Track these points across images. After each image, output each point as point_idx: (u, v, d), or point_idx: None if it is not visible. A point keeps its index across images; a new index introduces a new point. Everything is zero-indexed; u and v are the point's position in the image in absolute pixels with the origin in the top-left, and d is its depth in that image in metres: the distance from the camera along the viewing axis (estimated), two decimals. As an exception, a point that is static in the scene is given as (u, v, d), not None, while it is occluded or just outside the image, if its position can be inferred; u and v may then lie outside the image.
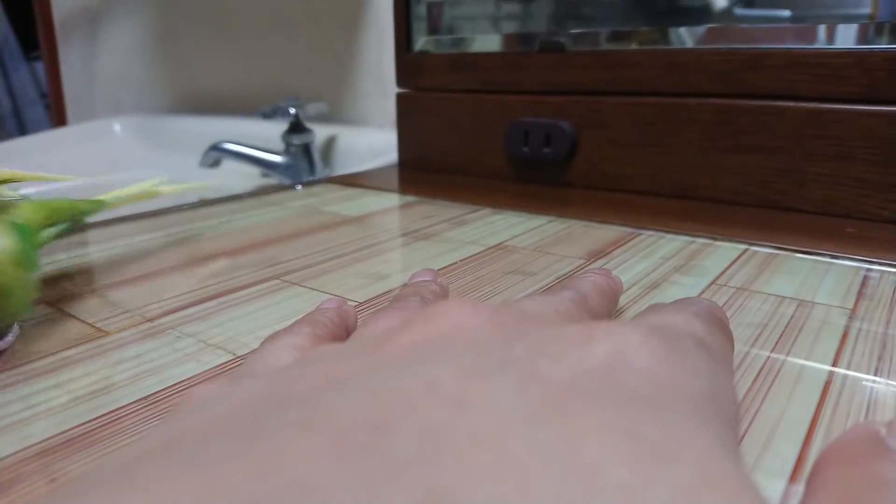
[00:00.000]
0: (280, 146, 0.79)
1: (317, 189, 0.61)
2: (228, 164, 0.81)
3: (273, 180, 0.80)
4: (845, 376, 0.24)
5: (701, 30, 0.49)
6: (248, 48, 1.02)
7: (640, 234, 0.45)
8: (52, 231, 0.33)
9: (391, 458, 0.09)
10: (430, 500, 0.09)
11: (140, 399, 0.23)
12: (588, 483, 0.09)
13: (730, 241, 0.42)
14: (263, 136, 0.82)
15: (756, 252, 0.40)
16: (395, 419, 0.10)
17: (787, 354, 0.26)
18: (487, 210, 0.53)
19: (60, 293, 0.34)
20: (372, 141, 0.80)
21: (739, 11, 0.49)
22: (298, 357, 0.17)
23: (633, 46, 0.51)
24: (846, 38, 0.43)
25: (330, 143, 0.84)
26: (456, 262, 0.38)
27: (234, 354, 0.27)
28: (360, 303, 0.32)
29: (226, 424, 0.11)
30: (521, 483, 0.09)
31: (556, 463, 0.09)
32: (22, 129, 1.79)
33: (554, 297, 0.19)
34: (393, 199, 0.55)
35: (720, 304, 0.31)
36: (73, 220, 0.35)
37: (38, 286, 0.29)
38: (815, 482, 0.13)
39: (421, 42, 0.63)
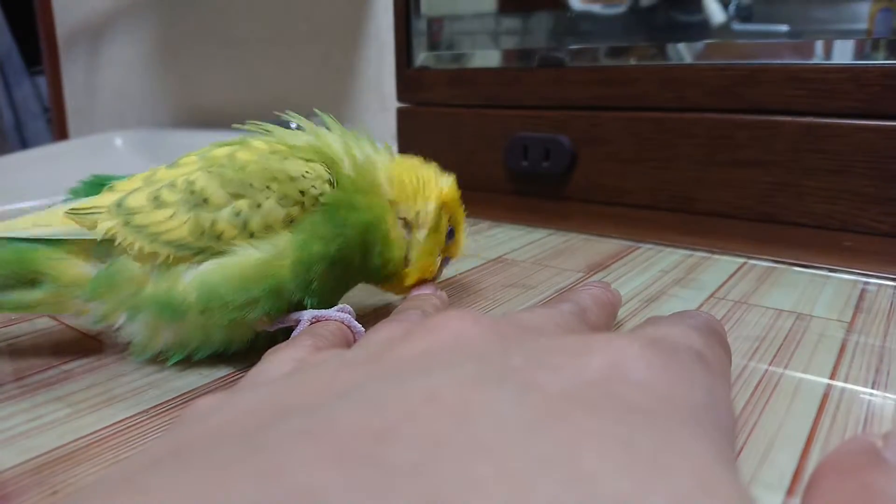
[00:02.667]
0: (281, 160, 0.79)
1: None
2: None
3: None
4: (843, 389, 0.25)
5: (699, 45, 0.49)
6: (249, 63, 1.02)
7: (638, 248, 0.45)
8: None
9: (392, 467, 0.09)
10: None
11: (141, 412, 0.23)
12: (586, 492, 0.09)
13: (728, 254, 0.42)
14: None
15: (754, 265, 0.40)
16: (397, 428, 0.10)
17: (785, 367, 0.26)
18: (487, 223, 0.53)
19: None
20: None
21: (737, 27, 0.50)
22: (299, 366, 0.17)
23: (632, 62, 0.52)
24: (843, 53, 0.44)
25: (330, 157, 0.84)
26: (456, 276, 0.38)
27: (235, 367, 0.27)
28: (361, 316, 0.32)
29: (230, 433, 0.11)
30: (519, 492, 0.09)
31: (555, 472, 0.10)
32: (24, 143, 1.80)
33: (553, 309, 0.19)
34: None
35: (718, 317, 0.31)
36: None
37: None
38: (812, 494, 0.13)
39: (421, 57, 0.64)
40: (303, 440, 0.10)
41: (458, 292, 0.36)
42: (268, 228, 0.25)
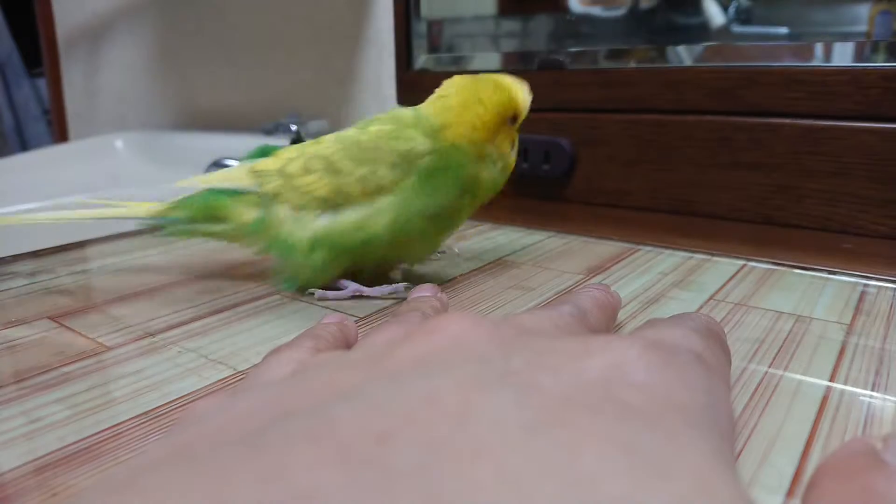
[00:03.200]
0: (281, 162, 0.79)
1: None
2: (229, 181, 0.82)
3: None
4: (842, 391, 0.25)
5: (698, 48, 0.49)
6: (249, 65, 1.02)
7: (638, 250, 0.45)
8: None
9: (393, 469, 0.09)
10: None
11: (141, 414, 0.23)
12: (585, 494, 0.09)
13: (728, 256, 0.42)
14: (265, 153, 0.82)
15: (754, 268, 0.40)
16: (398, 430, 0.10)
17: (785, 369, 0.26)
18: (487, 225, 0.53)
19: (62, 308, 0.34)
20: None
21: (737, 29, 0.50)
22: (299, 368, 0.17)
23: (632, 64, 0.52)
24: (842, 55, 0.44)
25: (331, 160, 0.84)
26: (456, 278, 0.38)
27: (235, 369, 0.27)
28: (361, 318, 0.32)
29: (231, 435, 0.11)
30: (519, 493, 0.09)
31: (554, 474, 0.10)
32: (24, 145, 1.80)
33: (553, 311, 0.19)
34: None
35: (718, 320, 0.31)
36: None
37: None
38: (811, 496, 0.13)
39: (421, 60, 0.64)
40: (303, 442, 0.10)
41: (458, 294, 0.36)
42: (381, 189, 0.32)
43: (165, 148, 1.04)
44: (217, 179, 0.36)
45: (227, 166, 0.80)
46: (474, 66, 0.61)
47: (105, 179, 0.98)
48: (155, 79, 1.20)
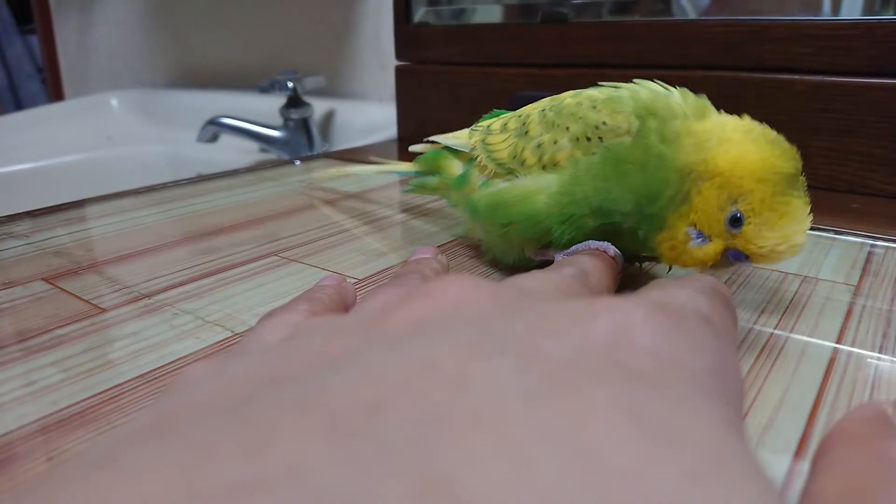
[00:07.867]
0: (278, 120, 0.78)
1: (315, 164, 0.60)
2: (226, 139, 0.81)
3: (271, 155, 0.79)
4: (849, 353, 0.24)
5: (705, 1, 0.48)
6: (245, 21, 1.00)
7: (642, 210, 0.44)
8: None
9: (387, 441, 0.09)
10: (426, 484, 0.08)
11: (138, 376, 0.23)
12: (591, 466, 0.09)
13: (733, 216, 0.41)
14: (261, 111, 0.81)
15: (759, 227, 0.39)
16: (392, 399, 0.10)
17: (791, 331, 0.26)
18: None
19: (57, 269, 0.33)
20: (371, 115, 0.79)
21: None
22: (294, 332, 0.17)
23: (637, 18, 0.50)
24: (853, 8, 0.42)
25: (328, 118, 0.83)
26: (456, 239, 0.38)
27: (232, 331, 0.26)
28: (359, 280, 0.32)
29: (217, 404, 0.11)
30: (521, 467, 0.09)
31: (558, 445, 0.09)
32: (19, 104, 1.77)
33: (554, 273, 0.19)
34: (392, 175, 0.54)
35: (723, 280, 0.30)
36: None
37: None
38: (822, 463, 0.13)
39: (420, 13, 0.62)
40: (292, 412, 0.10)
41: (457, 256, 0.35)
42: (555, 164, 0.27)
43: (161, 106, 1.03)
44: (446, 137, 0.35)
45: (223, 125, 0.79)
46: (475, 19, 0.59)
47: (101, 138, 0.96)
48: (149, 35, 1.18)
